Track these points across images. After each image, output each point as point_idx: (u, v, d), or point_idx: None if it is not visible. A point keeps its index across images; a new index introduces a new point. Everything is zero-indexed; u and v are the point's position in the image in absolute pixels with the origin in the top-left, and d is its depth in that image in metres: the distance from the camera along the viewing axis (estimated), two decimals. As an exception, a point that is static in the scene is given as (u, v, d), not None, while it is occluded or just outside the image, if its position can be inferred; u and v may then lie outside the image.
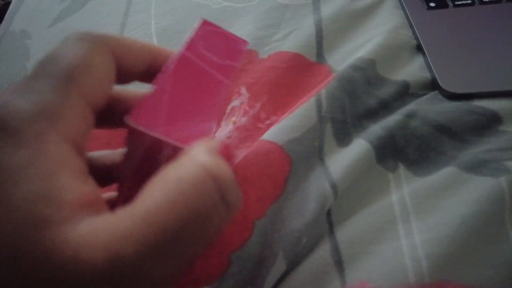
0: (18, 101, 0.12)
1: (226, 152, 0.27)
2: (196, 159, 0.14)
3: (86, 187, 0.13)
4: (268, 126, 0.29)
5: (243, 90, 0.31)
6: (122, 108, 0.17)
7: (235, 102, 0.31)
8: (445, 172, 0.24)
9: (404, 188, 0.24)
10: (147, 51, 0.17)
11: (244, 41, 0.21)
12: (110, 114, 0.17)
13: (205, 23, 0.21)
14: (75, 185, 0.12)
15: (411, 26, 0.33)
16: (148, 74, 0.17)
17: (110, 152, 0.19)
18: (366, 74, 0.29)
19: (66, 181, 0.12)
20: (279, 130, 0.27)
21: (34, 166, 0.11)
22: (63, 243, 0.11)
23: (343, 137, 0.27)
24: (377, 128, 0.27)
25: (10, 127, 0.12)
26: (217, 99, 0.18)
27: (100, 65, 0.14)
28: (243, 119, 0.30)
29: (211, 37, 0.20)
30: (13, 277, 0.10)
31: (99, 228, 0.11)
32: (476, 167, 0.23)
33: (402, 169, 0.25)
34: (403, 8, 0.34)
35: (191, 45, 0.19)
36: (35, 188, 0.11)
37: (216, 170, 0.13)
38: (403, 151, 0.26)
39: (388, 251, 0.22)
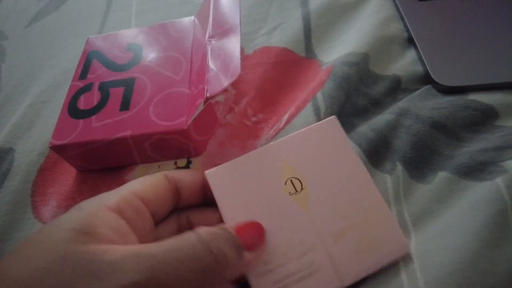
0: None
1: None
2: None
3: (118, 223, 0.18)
4: (255, 123, 0.27)
5: (228, 86, 0.30)
6: None
7: (220, 97, 0.29)
8: (441, 180, 0.22)
9: (401, 199, 0.23)
10: (201, 175, 0.22)
11: None
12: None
13: None
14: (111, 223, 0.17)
15: (401, 18, 0.32)
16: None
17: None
18: (359, 70, 0.28)
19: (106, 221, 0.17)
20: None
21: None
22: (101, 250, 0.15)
23: None
24: (367, 129, 0.25)
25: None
26: None
27: (162, 189, 0.21)
28: (228, 116, 0.28)
29: None
30: (64, 271, 0.14)
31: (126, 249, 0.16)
32: (473, 172, 0.22)
33: (400, 170, 0.24)
34: (393, 0, 0.33)
35: None
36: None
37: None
38: (400, 150, 0.24)
39: (387, 272, 0.20)
